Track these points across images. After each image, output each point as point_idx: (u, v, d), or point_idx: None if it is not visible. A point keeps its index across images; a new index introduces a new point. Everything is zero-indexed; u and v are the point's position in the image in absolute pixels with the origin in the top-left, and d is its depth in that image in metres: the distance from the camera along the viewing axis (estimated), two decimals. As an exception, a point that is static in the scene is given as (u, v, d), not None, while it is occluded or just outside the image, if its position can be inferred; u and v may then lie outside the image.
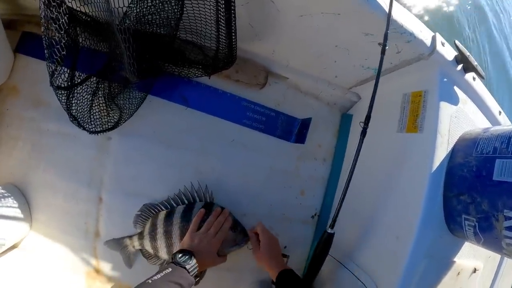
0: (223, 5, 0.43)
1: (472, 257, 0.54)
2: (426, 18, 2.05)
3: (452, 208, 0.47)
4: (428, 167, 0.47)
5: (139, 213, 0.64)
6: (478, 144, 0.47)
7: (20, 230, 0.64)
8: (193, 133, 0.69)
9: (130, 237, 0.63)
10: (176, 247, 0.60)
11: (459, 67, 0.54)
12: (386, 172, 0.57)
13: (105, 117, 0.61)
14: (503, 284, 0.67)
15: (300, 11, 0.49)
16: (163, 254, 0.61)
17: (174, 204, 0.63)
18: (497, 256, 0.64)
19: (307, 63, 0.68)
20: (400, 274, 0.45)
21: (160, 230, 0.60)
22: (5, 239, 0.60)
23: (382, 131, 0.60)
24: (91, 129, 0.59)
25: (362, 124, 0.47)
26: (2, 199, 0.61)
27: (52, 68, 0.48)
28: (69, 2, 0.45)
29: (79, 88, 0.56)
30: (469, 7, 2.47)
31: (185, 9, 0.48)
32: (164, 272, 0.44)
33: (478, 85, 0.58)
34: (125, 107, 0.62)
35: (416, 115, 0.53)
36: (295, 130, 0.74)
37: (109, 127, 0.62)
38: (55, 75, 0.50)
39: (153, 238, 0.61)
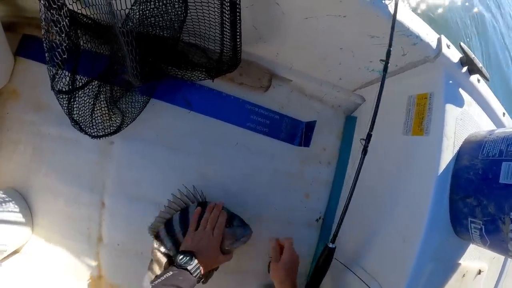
0: (228, 7, 0.42)
1: (477, 258, 0.54)
2: (431, 20, 2.05)
3: (458, 210, 0.47)
4: (435, 170, 0.47)
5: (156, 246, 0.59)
6: (484, 147, 0.47)
7: (21, 235, 0.63)
8: (197, 136, 0.68)
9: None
10: None
11: (464, 69, 0.54)
12: (392, 175, 0.57)
13: (107, 121, 0.61)
14: (507, 285, 0.67)
15: (305, 13, 0.49)
16: None
17: (169, 215, 0.61)
18: (501, 257, 0.64)
19: (312, 65, 0.67)
20: (407, 277, 0.45)
21: (169, 244, 0.58)
22: (7, 245, 0.59)
23: (387, 134, 0.60)
24: (93, 134, 0.58)
25: (363, 142, 0.47)
26: (3, 204, 0.61)
27: (53, 72, 0.48)
28: (70, 4, 0.44)
29: (80, 92, 0.55)
30: (473, 9, 2.48)
31: (189, 11, 0.47)
32: (164, 276, 0.44)
33: (483, 87, 0.58)
34: (127, 111, 0.61)
35: (422, 118, 0.53)
36: (299, 133, 0.74)
37: (111, 131, 0.61)
38: (56, 79, 0.49)
39: (169, 259, 0.57)
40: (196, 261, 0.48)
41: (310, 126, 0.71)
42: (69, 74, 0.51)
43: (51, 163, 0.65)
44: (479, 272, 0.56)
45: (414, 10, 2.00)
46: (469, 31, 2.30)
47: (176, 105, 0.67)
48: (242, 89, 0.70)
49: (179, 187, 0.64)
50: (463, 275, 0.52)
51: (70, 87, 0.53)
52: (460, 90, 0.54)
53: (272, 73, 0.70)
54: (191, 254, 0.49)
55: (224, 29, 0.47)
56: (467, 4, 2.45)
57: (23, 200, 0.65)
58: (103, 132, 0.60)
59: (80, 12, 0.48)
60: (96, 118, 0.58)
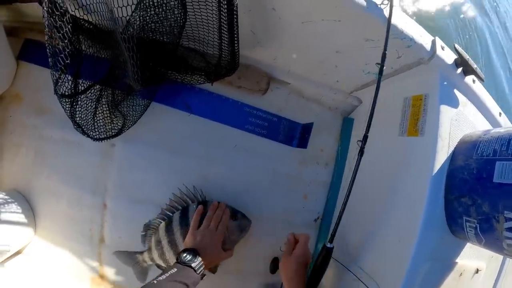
0: (226, 12, 0.43)
1: (474, 257, 0.55)
2: (426, 22, 2.07)
3: (453, 210, 0.47)
4: (429, 170, 0.47)
5: (143, 233, 0.63)
6: (478, 147, 0.48)
7: (24, 236, 0.64)
8: (197, 139, 0.69)
9: (141, 253, 0.63)
10: None
11: (459, 70, 0.54)
12: (388, 175, 0.58)
13: (109, 124, 0.62)
14: (506, 283, 0.67)
15: (301, 18, 0.50)
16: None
17: (170, 214, 0.62)
18: (500, 256, 0.65)
19: (309, 68, 0.68)
20: (403, 276, 0.45)
21: (164, 242, 0.60)
22: (10, 245, 0.60)
23: (383, 135, 0.61)
24: (95, 136, 0.60)
25: (359, 143, 0.48)
26: (6, 205, 0.62)
27: (56, 76, 0.49)
28: (72, 11, 0.46)
29: (82, 96, 0.56)
30: (469, 10, 2.49)
31: (188, 17, 0.48)
32: (169, 272, 0.45)
33: (478, 88, 0.58)
34: (128, 114, 0.63)
35: (417, 119, 0.54)
36: (297, 134, 0.75)
37: (113, 134, 0.63)
38: (59, 83, 0.50)
39: (160, 251, 0.61)
40: (199, 258, 0.49)
41: (307, 128, 0.73)
42: (72, 78, 0.53)
43: (54, 166, 0.66)
44: (477, 271, 0.56)
45: (409, 12, 2.01)
46: (465, 32, 2.31)
47: (176, 108, 0.69)
48: (241, 92, 0.71)
49: (180, 188, 0.65)
50: (460, 274, 0.52)
51: (73, 91, 0.54)
52: (455, 91, 0.55)
53: (270, 76, 0.71)
54: (194, 252, 0.50)
55: (222, 34, 0.48)
56: (463, 5, 2.46)
57: (26, 202, 0.66)
58: (105, 135, 0.61)
59: (82, 18, 0.49)
60: (98, 121, 0.60)
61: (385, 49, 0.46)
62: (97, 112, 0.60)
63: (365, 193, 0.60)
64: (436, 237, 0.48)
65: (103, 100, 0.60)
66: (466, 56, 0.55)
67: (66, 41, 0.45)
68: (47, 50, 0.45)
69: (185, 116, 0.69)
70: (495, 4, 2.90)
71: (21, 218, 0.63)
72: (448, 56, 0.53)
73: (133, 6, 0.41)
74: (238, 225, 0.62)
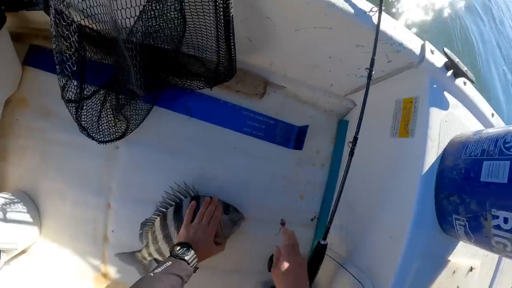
0: (223, 24, 0.46)
1: (468, 256, 0.55)
2: (419, 25, 2.07)
3: (443, 208, 0.49)
4: (419, 170, 0.49)
5: (140, 231, 0.66)
6: (467, 147, 0.49)
7: (30, 235, 0.66)
8: (197, 141, 0.72)
9: (139, 251, 0.66)
10: None
11: (449, 73, 0.56)
12: (381, 175, 0.59)
13: (113, 127, 0.64)
14: (503, 282, 0.67)
15: (294, 26, 0.53)
16: None
17: (164, 210, 0.65)
18: (495, 255, 0.65)
19: (304, 73, 0.71)
20: (395, 272, 0.46)
21: (160, 236, 0.63)
22: (17, 243, 0.62)
23: (376, 136, 0.63)
24: (100, 139, 0.62)
25: (350, 145, 0.50)
26: (12, 205, 0.63)
27: (63, 83, 0.52)
28: (78, 21, 0.48)
29: (88, 101, 0.59)
30: (461, 13, 2.50)
31: (187, 27, 0.51)
32: (164, 266, 0.47)
33: (469, 89, 0.60)
34: (132, 118, 0.65)
35: (408, 121, 0.55)
36: (293, 137, 0.77)
37: (117, 136, 0.65)
38: (66, 89, 0.53)
39: (157, 245, 0.63)
40: (192, 252, 0.51)
41: (302, 131, 0.75)
42: (77, 84, 0.55)
43: (59, 167, 0.68)
44: (471, 269, 0.57)
45: (401, 16, 2.01)
46: (458, 34, 2.31)
47: (177, 112, 0.71)
48: (239, 96, 0.74)
49: (171, 186, 0.67)
50: (454, 272, 0.53)
51: (79, 96, 0.57)
52: (445, 93, 0.56)
53: (266, 80, 0.74)
54: (188, 246, 0.52)
55: (220, 43, 0.51)
56: (457, 8, 2.47)
57: (32, 202, 0.68)
58: (109, 138, 0.63)
59: (88, 26, 0.52)
60: (102, 125, 0.62)
61: (373, 55, 0.48)
62: (102, 116, 0.62)
63: (359, 192, 0.62)
64: (427, 234, 0.49)
65: (107, 104, 0.63)
66: (456, 59, 0.57)
67: (72, 49, 0.48)
68: (55, 58, 0.47)
69: (186, 119, 0.72)
70: (489, 6, 2.90)
71: (27, 217, 0.65)
72: (437, 59, 0.55)
73: (136, 17, 0.44)
74: (230, 218, 0.64)
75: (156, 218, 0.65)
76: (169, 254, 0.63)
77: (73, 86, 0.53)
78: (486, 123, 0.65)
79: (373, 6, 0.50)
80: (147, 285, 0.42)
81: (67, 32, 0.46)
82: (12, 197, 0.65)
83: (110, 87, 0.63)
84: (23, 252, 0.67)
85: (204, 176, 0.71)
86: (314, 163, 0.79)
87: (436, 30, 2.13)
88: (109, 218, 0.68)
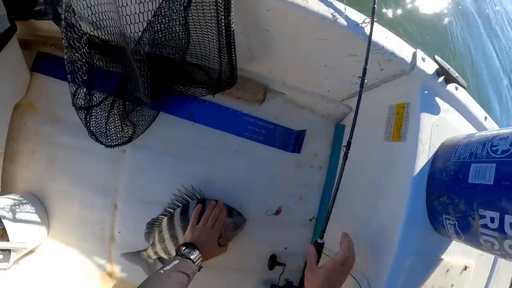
0: (224, 37, 0.49)
1: (462, 255, 0.57)
2: (412, 33, 2.05)
3: (434, 209, 0.51)
4: (410, 172, 0.51)
5: (146, 230, 0.69)
6: (456, 150, 0.51)
7: (38, 235, 0.68)
8: (200, 145, 0.75)
9: (145, 250, 0.68)
10: None
11: (441, 79, 0.58)
12: (375, 176, 0.62)
13: (120, 132, 0.67)
14: (499, 282, 0.68)
15: (292, 37, 0.56)
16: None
17: (172, 210, 0.68)
18: (491, 255, 0.67)
19: (301, 80, 0.74)
20: (388, 269, 0.49)
21: (166, 235, 0.65)
22: (26, 243, 0.63)
23: (371, 140, 0.65)
24: (107, 143, 0.65)
25: (344, 149, 0.52)
26: (21, 206, 0.66)
27: (73, 90, 0.54)
28: (88, 33, 0.51)
29: (97, 108, 0.62)
30: (455, 19, 2.52)
31: (191, 40, 0.55)
32: (173, 264, 0.50)
33: (461, 94, 0.62)
34: (138, 123, 0.68)
35: (400, 125, 0.58)
36: (291, 141, 0.80)
37: (124, 141, 0.68)
38: (76, 96, 0.56)
39: (163, 244, 0.66)
40: (197, 251, 0.54)
41: (300, 135, 0.78)
42: (87, 91, 0.57)
43: (66, 170, 0.71)
44: (465, 268, 0.58)
45: (394, 25, 2.01)
46: (451, 40, 2.32)
47: (182, 117, 0.74)
48: (240, 102, 0.77)
49: (179, 189, 0.70)
50: (447, 270, 0.55)
51: (88, 103, 0.60)
52: (437, 98, 0.58)
53: (266, 87, 0.77)
54: (193, 246, 0.55)
55: (222, 55, 0.54)
56: (450, 16, 2.49)
57: (40, 203, 0.70)
58: (116, 142, 0.66)
59: (98, 37, 0.55)
60: (110, 130, 0.65)
61: (366, 64, 0.51)
62: (109, 121, 0.65)
63: (354, 193, 0.64)
64: (419, 233, 0.51)
65: (115, 110, 0.66)
66: (447, 66, 0.59)
67: (83, 60, 0.51)
68: (66, 67, 0.50)
69: (189, 124, 0.75)
70: (486, 11, 2.92)
71: (35, 218, 0.67)
72: (428, 66, 0.57)
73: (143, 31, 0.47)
74: (233, 222, 0.67)
75: (164, 218, 0.67)
76: (174, 252, 0.66)
77: (83, 94, 0.56)
78: (479, 126, 0.66)
79: (366, 17, 0.53)
80: (158, 280, 0.45)
81: (78, 44, 0.49)
82: (21, 199, 0.67)
83: (118, 94, 0.66)
84: (31, 251, 0.69)
85: (207, 179, 0.74)
86: (313, 165, 0.82)
87: (429, 37, 2.15)
88: (116, 219, 0.71)
